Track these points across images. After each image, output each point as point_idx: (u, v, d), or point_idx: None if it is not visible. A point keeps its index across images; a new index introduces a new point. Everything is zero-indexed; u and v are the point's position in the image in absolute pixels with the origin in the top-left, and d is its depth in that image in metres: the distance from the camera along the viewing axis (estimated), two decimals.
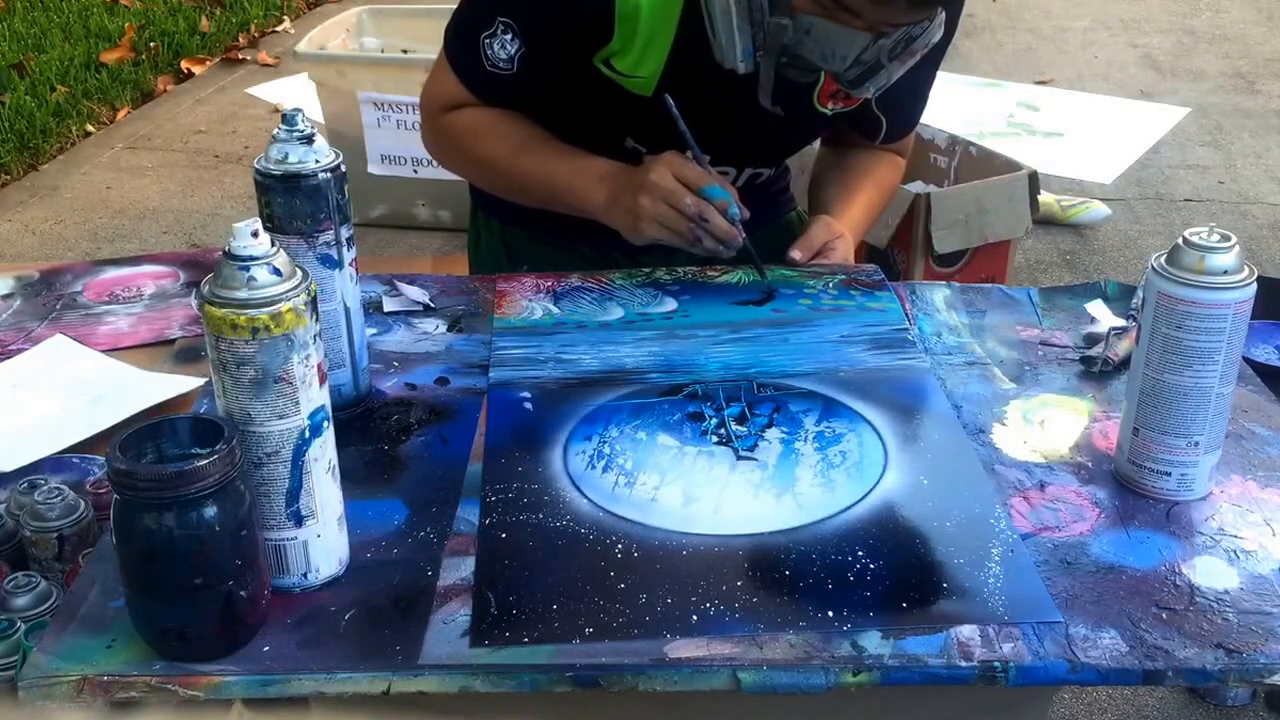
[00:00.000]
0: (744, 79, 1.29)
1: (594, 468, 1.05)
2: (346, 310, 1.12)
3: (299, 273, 0.88)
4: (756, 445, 1.08)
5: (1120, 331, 1.23)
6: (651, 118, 1.34)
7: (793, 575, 0.92)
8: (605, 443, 1.08)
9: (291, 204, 1.06)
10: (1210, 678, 0.86)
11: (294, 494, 0.89)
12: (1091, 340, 1.26)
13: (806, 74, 1.30)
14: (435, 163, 1.52)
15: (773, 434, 1.09)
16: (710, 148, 1.42)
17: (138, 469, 0.81)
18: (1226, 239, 0.98)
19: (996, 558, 0.94)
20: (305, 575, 0.91)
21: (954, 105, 4.47)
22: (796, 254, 1.41)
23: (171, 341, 1.41)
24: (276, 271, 0.86)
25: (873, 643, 0.86)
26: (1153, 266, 1.00)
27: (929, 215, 2.71)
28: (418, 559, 0.95)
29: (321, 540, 0.91)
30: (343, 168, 1.08)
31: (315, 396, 0.88)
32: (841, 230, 1.47)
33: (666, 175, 1.31)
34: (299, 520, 0.89)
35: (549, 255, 1.51)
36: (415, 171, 3.43)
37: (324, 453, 0.90)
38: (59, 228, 3.65)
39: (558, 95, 1.40)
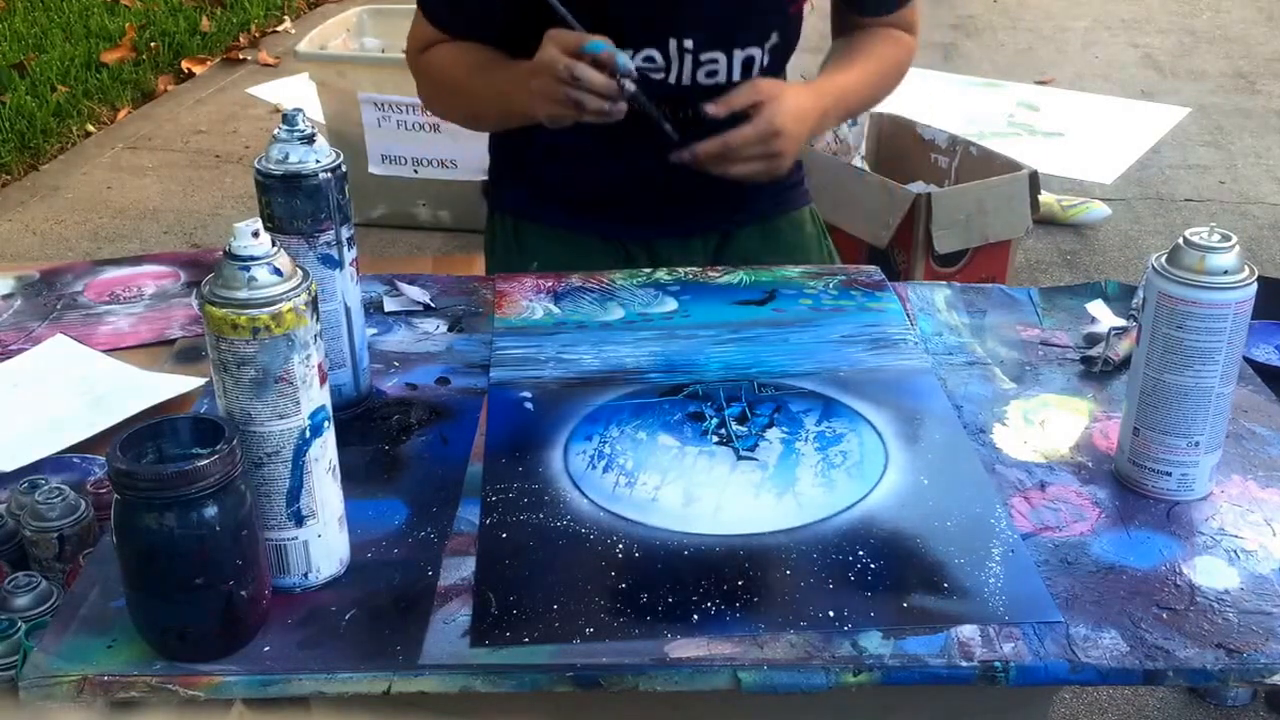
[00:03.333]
0: None
1: (594, 468, 1.05)
2: (347, 310, 1.12)
3: (299, 273, 0.88)
4: (757, 445, 1.08)
5: (1120, 331, 1.23)
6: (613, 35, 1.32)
7: (793, 575, 0.92)
8: (606, 443, 1.08)
9: (292, 204, 1.06)
10: (1210, 678, 0.86)
11: (294, 494, 0.89)
12: (1092, 340, 1.26)
13: None
14: (426, 108, 1.57)
15: (773, 434, 1.09)
16: (691, 25, 1.39)
17: (138, 469, 0.81)
18: (1227, 239, 0.98)
19: (997, 558, 0.94)
20: (306, 575, 0.91)
21: (954, 105, 4.47)
22: (710, 107, 1.33)
23: (172, 341, 1.41)
24: (277, 271, 0.86)
25: (873, 643, 0.86)
26: (1153, 266, 1.00)
27: (929, 215, 2.72)
28: (418, 559, 0.95)
29: (322, 540, 0.91)
30: (343, 168, 1.08)
31: (316, 396, 0.88)
32: (777, 93, 1.34)
33: (548, 48, 1.28)
34: (299, 520, 0.89)
35: (558, 242, 1.52)
36: (416, 171, 3.43)
37: (324, 453, 0.90)
38: (59, 228, 3.65)
39: (522, 19, 1.39)
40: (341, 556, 0.93)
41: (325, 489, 0.90)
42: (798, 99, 1.37)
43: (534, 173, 1.56)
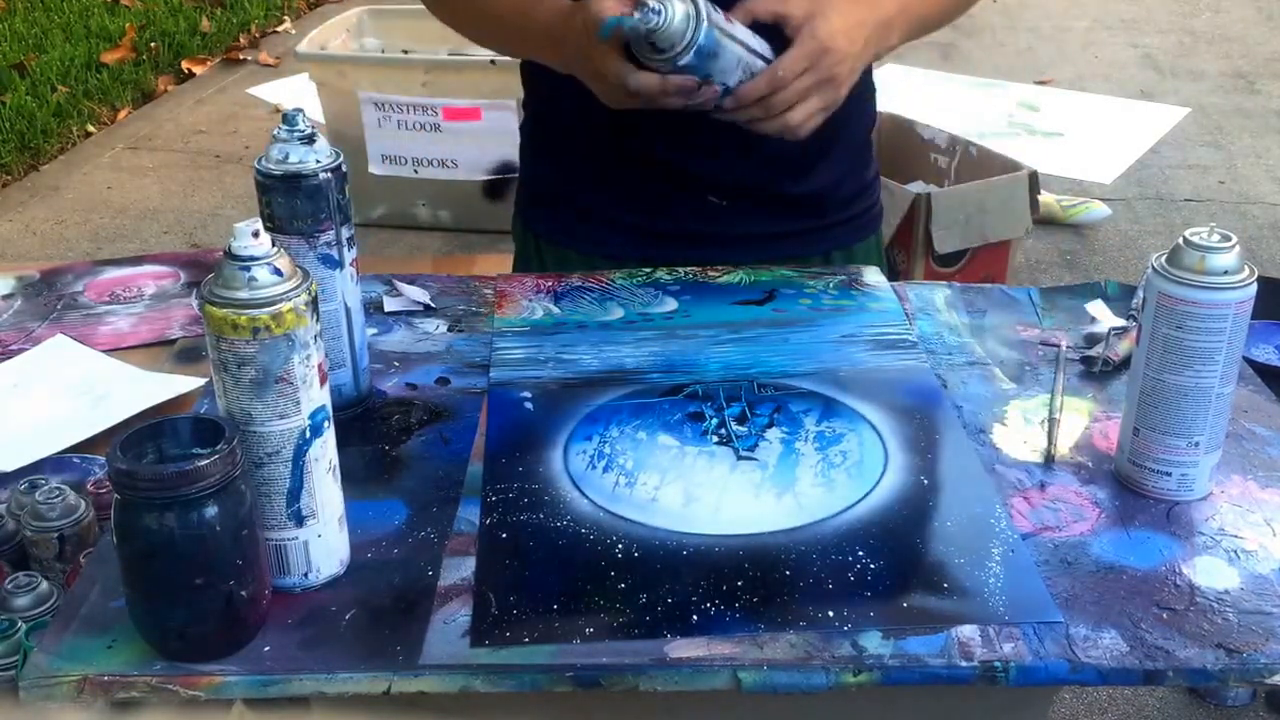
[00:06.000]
0: None
1: (594, 468, 1.05)
2: (347, 310, 1.12)
3: (299, 273, 0.88)
4: (757, 445, 1.08)
5: (1120, 331, 1.23)
6: None
7: (793, 575, 0.92)
8: (606, 443, 1.08)
9: (292, 204, 1.06)
10: (1210, 678, 0.86)
11: (295, 494, 0.89)
12: (1092, 340, 1.26)
13: None
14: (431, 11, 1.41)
15: (773, 434, 1.09)
16: None
17: (139, 469, 0.81)
18: (1227, 239, 0.98)
19: (997, 558, 0.94)
20: (306, 575, 0.91)
21: (954, 105, 4.48)
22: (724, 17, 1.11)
23: (172, 341, 1.42)
24: (277, 271, 0.86)
25: (873, 643, 0.86)
26: (1153, 266, 1.00)
27: (929, 215, 2.72)
28: (418, 559, 0.95)
29: (322, 540, 0.91)
30: (343, 168, 1.08)
31: (316, 396, 0.88)
32: (815, 5, 1.16)
33: (600, 56, 1.14)
34: (300, 520, 0.89)
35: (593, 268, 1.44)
36: (416, 171, 3.43)
37: (325, 453, 0.90)
38: (60, 228, 3.65)
39: None
40: (341, 557, 0.93)
41: (325, 489, 0.90)
42: (846, 8, 1.17)
43: (574, 195, 1.45)
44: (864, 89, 1.41)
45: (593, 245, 1.45)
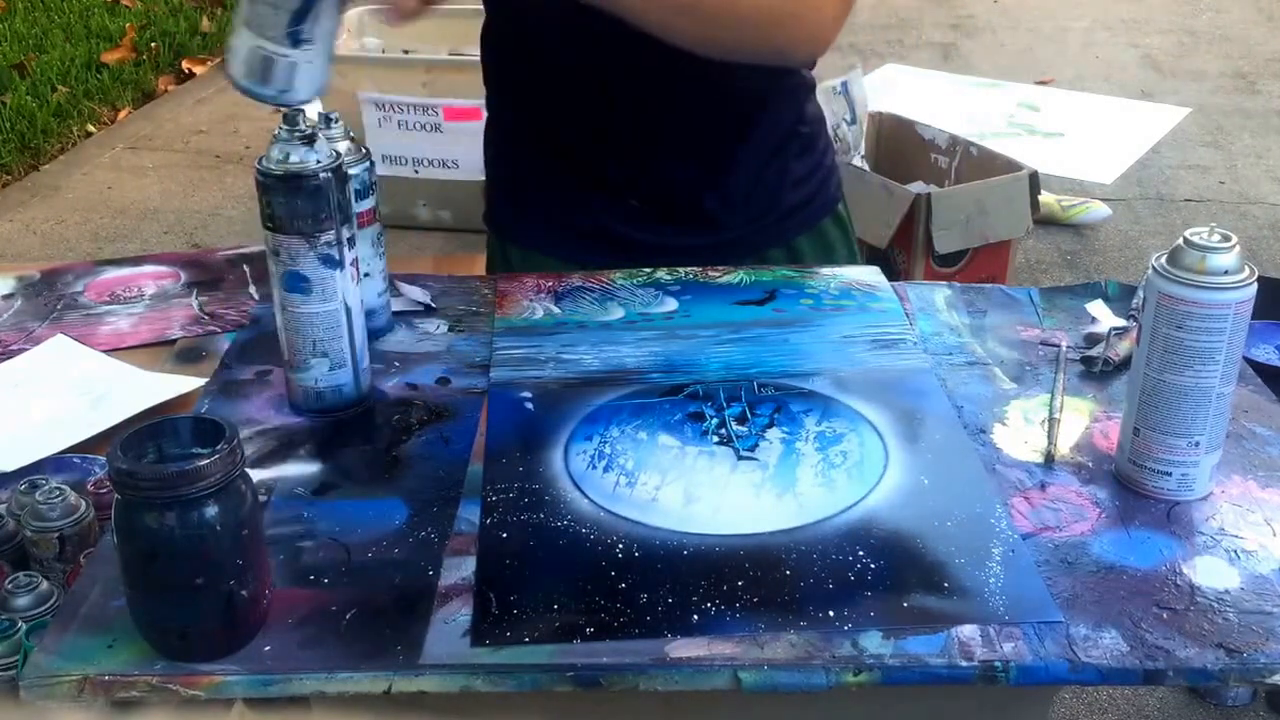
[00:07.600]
0: None
1: (595, 468, 1.05)
2: (347, 310, 1.12)
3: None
4: (757, 445, 1.08)
5: (1121, 331, 1.23)
6: None
7: (793, 575, 0.92)
8: (606, 443, 1.08)
9: (292, 204, 1.06)
10: (1211, 677, 0.86)
11: (301, 15, 0.91)
12: (1092, 340, 1.26)
13: None
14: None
15: (773, 434, 1.09)
16: None
17: (139, 469, 0.81)
18: (1227, 239, 0.98)
19: (997, 557, 0.94)
20: (282, 92, 0.92)
21: (954, 105, 4.48)
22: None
23: (172, 342, 1.41)
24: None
25: (873, 642, 0.86)
26: (1153, 267, 1.00)
27: (929, 215, 2.72)
28: (419, 559, 0.95)
29: (311, 67, 0.94)
30: (344, 168, 1.08)
31: None
32: None
33: None
34: (296, 41, 0.92)
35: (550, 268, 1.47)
36: (416, 171, 3.43)
37: None
38: (60, 228, 3.66)
39: None
40: (319, 87, 0.98)
41: (328, 20, 0.94)
42: None
43: (535, 202, 1.49)
44: (766, 94, 1.39)
45: (535, 243, 1.49)
